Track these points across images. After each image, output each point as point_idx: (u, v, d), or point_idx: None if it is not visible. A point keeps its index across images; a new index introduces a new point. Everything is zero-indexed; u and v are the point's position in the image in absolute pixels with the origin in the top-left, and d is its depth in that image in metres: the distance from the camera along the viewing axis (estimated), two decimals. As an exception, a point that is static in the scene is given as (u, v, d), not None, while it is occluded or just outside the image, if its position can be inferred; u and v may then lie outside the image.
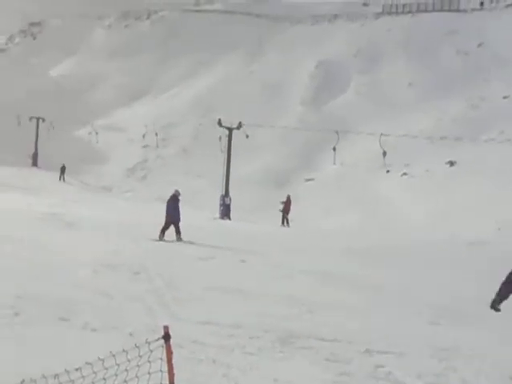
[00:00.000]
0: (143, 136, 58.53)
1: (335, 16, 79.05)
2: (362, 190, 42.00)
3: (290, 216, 32.00)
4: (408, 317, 10.38)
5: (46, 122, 57.17)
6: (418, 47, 64.46)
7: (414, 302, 11.79)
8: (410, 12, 74.66)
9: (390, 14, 76.16)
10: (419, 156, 45.26)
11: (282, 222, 31.92)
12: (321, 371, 6.89)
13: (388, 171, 43.74)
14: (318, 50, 69.48)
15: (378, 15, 76.61)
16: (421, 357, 7.73)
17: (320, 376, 6.71)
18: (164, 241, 18.73)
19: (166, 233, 19.20)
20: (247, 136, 43.58)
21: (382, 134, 41.49)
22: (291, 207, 32.24)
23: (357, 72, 64.59)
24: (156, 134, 57.20)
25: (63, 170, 49.92)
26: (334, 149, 44.26)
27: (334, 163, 44.68)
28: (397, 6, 76.93)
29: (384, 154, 39.74)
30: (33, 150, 56.71)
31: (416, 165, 44.57)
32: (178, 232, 19.08)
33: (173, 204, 19.63)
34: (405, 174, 44.80)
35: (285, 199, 32.69)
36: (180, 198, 20.04)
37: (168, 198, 20.22)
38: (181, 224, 19.23)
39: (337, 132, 45.37)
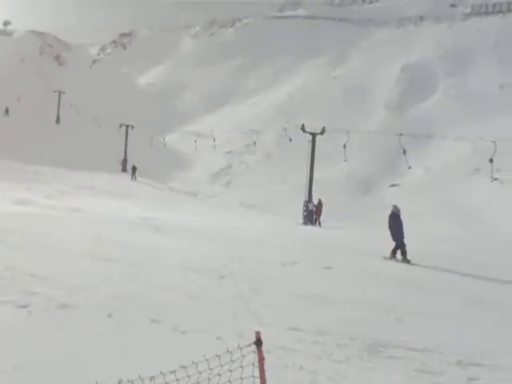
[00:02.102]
0: (227, 142, 59.35)
1: (421, 18, 77.45)
2: (450, 196, 40.78)
3: (321, 218, 34.72)
4: (500, 327, 9.96)
5: (135, 129, 59.10)
6: (509, 48, 62.11)
7: (506, 312, 11.30)
8: (500, 12, 72.09)
9: (479, 14, 73.80)
10: (511, 160, 43.43)
11: (314, 223, 34.48)
12: (410, 382, 6.73)
13: (496, 178, 41.65)
14: (403, 53, 68.29)
15: (466, 16, 74.43)
16: (516, 371, 7.39)
17: (410, 387, 6.55)
18: (395, 260, 17.18)
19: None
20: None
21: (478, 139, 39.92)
22: (323, 209, 34.93)
23: (444, 75, 62.95)
24: (254, 143, 58.15)
25: (134, 169, 52.35)
26: (404, 152, 42.29)
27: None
28: (486, 5, 74.40)
29: (491, 160, 37.12)
30: (122, 157, 58.62)
31: (508, 170, 42.79)
32: (402, 252, 17.16)
33: (394, 222, 17.58)
34: (495, 179, 43.12)
35: (316, 202, 35.19)
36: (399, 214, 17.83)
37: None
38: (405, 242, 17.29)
39: (420, 138, 44.51)
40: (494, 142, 38.12)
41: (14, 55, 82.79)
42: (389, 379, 6.77)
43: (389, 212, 18.08)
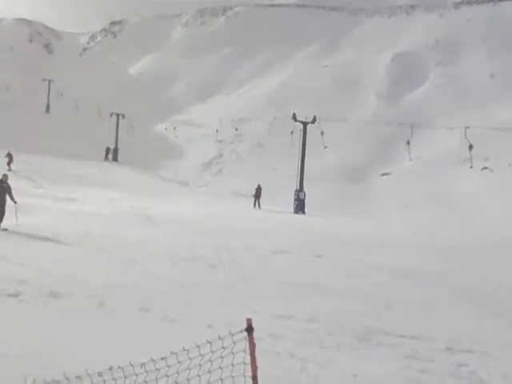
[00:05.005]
0: (218, 131, 59.16)
1: (412, 7, 77.34)
2: (440, 185, 40.92)
3: (261, 200, 36.67)
4: (489, 316, 10.03)
5: (126, 118, 58.81)
6: (500, 37, 62.16)
7: (495, 301, 11.38)
8: (491, 1, 72.02)
9: (470, 3, 73.76)
10: (501, 149, 43.60)
11: (254, 205, 36.47)
12: (401, 368, 6.77)
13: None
14: (394, 43, 68.24)
15: (457, 5, 74.39)
16: (504, 357, 7.46)
17: (400, 373, 6.59)
18: None
19: None
20: (322, 133, 44.93)
21: (467, 127, 40.14)
22: (261, 193, 36.99)
23: (435, 64, 62.97)
24: (236, 129, 58.04)
25: (108, 151, 54.30)
26: (408, 143, 44.63)
27: (410, 159, 44.82)
28: (477, -6, 74.42)
29: (470, 147, 38.73)
30: (113, 146, 58.31)
31: (498, 159, 42.95)
32: None
33: None
34: (485, 168, 43.26)
35: (256, 187, 37.21)
36: None
37: None
38: None
39: (411, 127, 45.17)
40: (429, 126, 38.37)
41: (3, 43, 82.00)
42: (379, 366, 6.81)
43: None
